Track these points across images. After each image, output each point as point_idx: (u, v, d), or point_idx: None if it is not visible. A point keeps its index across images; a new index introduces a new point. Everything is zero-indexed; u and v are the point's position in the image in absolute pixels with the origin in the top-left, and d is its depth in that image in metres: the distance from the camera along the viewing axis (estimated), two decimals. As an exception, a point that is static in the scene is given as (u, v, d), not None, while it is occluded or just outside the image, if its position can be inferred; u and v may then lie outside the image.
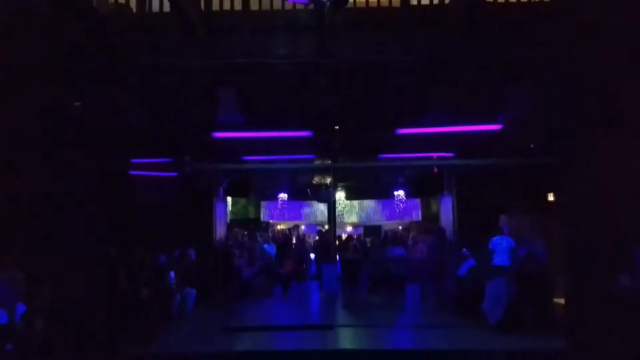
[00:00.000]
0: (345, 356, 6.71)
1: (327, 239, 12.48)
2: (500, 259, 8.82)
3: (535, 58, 6.85)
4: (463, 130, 8.46)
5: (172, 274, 9.42)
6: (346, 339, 7.68)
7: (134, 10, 7.26)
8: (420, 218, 18.34)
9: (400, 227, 18.81)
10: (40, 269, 6.62)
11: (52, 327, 5.96)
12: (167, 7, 6.92)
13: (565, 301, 7.91)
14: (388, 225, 19.47)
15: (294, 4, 6.85)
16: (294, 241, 15.20)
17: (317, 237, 14.33)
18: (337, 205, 16.29)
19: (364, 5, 7.14)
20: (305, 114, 8.28)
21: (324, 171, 13.07)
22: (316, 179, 13.82)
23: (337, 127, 9.70)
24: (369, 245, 13.59)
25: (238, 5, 7.14)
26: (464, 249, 10.16)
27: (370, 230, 19.41)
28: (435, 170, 12.54)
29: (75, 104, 7.25)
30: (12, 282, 6.25)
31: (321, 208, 18.16)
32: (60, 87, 6.94)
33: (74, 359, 6.12)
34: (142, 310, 7.61)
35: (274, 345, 7.36)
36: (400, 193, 17.44)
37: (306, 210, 18.98)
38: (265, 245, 13.27)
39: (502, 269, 8.46)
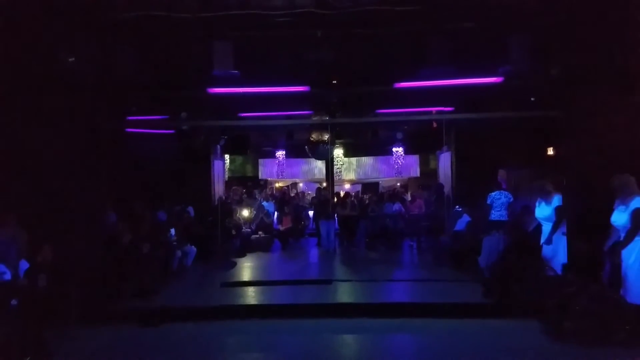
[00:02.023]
0: (344, 309, 6.83)
1: (325, 196, 12.53)
2: (498, 213, 8.90)
3: (537, 8, 6.67)
4: (463, 83, 8.31)
5: (172, 231, 9.50)
6: (344, 293, 7.80)
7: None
8: (418, 174, 18.38)
9: (398, 184, 18.89)
10: (42, 226, 6.67)
11: (54, 283, 6.04)
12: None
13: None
14: (386, 182, 19.54)
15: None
16: (293, 198, 15.27)
17: (315, 194, 14.39)
18: (335, 162, 16.29)
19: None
20: (303, 68, 8.12)
21: (321, 127, 12.97)
22: (314, 136, 13.74)
23: (335, 82, 9.54)
24: (366, 201, 13.68)
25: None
26: (457, 206, 10.22)
27: (368, 187, 19.50)
28: (434, 125, 12.46)
29: (69, 59, 7.09)
30: (14, 239, 6.31)
31: (319, 165, 18.15)
32: (52, 43, 6.78)
33: (76, 314, 6.22)
34: (143, 265, 7.69)
35: (273, 299, 7.49)
36: (398, 149, 17.41)
37: (304, 167, 18.97)
38: (264, 203, 13.34)
39: (499, 224, 8.54)
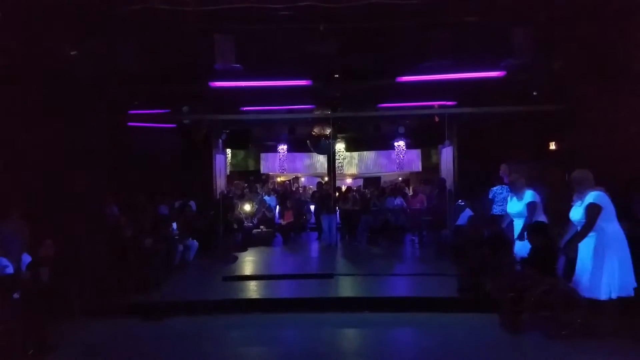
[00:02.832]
0: (345, 303, 6.84)
1: (327, 191, 12.53)
2: (499, 208, 8.86)
3: (540, 2, 6.65)
4: (465, 77, 8.30)
5: (174, 225, 9.51)
6: (345, 287, 7.82)
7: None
8: (420, 169, 18.35)
9: (400, 178, 18.87)
10: (44, 220, 6.68)
11: (57, 276, 6.05)
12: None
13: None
14: (388, 176, 19.52)
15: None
16: (294, 193, 15.27)
17: (316, 189, 14.39)
18: (336, 156, 16.27)
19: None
20: (305, 62, 8.10)
21: (323, 121, 12.96)
22: (316, 130, 13.73)
23: (337, 76, 9.52)
24: (368, 196, 13.67)
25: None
26: (460, 200, 10.19)
27: (369, 181, 19.49)
28: (436, 119, 12.43)
29: (71, 53, 7.08)
30: (17, 233, 6.32)
31: (321, 160, 18.13)
32: (54, 37, 6.77)
33: (78, 308, 6.24)
34: (145, 259, 7.70)
35: (274, 293, 7.51)
36: (400, 144, 17.38)
37: (306, 162, 18.96)
38: (266, 197, 13.34)
39: (501, 218, 8.51)
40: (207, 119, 11.56)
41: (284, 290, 7.73)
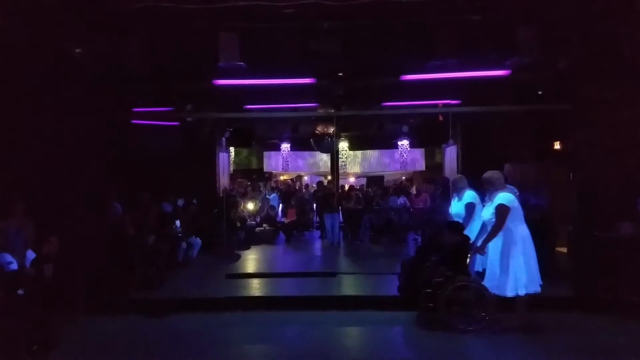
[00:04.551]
0: (347, 302, 6.84)
1: (329, 189, 12.53)
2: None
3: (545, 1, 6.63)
4: (469, 76, 8.27)
5: (177, 222, 9.53)
6: (348, 285, 7.82)
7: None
8: (423, 168, 18.32)
9: (403, 177, 18.84)
10: (48, 217, 6.70)
11: (60, 273, 6.08)
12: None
13: (568, 249, 8.00)
14: (391, 175, 19.50)
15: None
16: (297, 191, 15.28)
17: (316, 188, 14.40)
18: (340, 155, 16.26)
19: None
20: (308, 60, 8.08)
21: (327, 120, 12.94)
22: (319, 129, 13.71)
23: (341, 74, 9.50)
24: (371, 195, 13.66)
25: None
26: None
27: (373, 180, 19.46)
28: (441, 118, 12.39)
29: (76, 51, 7.10)
30: (22, 230, 6.35)
31: (324, 158, 18.12)
32: (60, 34, 6.78)
33: (82, 304, 6.27)
34: (148, 257, 7.72)
35: (277, 291, 7.51)
36: (404, 143, 17.35)
37: (309, 160, 18.94)
38: (269, 195, 13.35)
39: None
40: (210, 117, 11.55)
41: (287, 288, 7.73)
